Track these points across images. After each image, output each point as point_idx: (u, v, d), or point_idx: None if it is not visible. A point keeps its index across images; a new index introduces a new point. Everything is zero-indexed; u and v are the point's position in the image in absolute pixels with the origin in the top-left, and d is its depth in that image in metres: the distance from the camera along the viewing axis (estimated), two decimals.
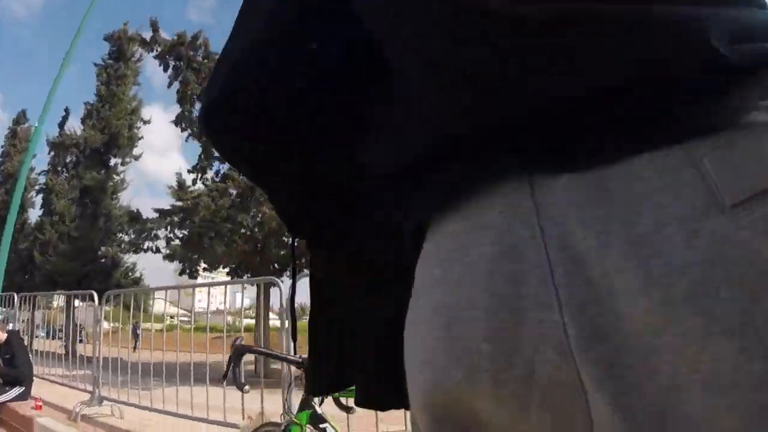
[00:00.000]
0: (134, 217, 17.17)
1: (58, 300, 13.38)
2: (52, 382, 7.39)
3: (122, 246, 24.02)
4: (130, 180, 25.94)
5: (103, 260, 22.89)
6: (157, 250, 17.17)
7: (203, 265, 16.58)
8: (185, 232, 15.81)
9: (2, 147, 33.98)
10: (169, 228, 16.68)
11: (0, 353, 5.88)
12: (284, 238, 14.90)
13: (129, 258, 24.00)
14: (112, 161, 25.45)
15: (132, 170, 26.05)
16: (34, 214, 27.37)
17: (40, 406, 5.52)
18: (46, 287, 17.74)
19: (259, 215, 14.32)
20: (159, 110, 57.28)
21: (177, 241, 16.24)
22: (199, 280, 16.63)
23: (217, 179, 16.75)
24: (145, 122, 27.12)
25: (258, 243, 14.80)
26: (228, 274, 15.99)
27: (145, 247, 17.06)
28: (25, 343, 7.36)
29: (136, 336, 23.46)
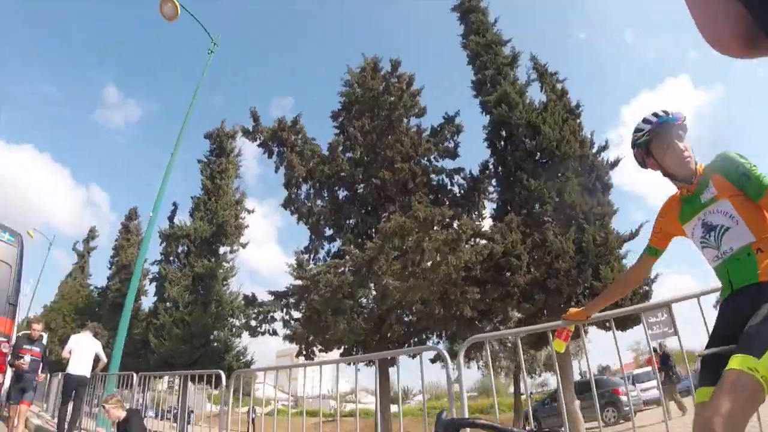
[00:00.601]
0: (250, 301, 17.64)
1: (163, 383, 13.93)
2: None
3: (233, 330, 24.74)
4: (239, 267, 26.99)
5: (215, 344, 23.53)
6: (274, 333, 17.42)
7: (318, 346, 16.61)
8: (303, 313, 16.07)
9: (116, 241, 36.60)
10: (285, 310, 17.03)
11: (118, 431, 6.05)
12: (404, 314, 14.87)
13: (240, 342, 24.70)
14: (221, 250, 26.79)
15: (237, 258, 27.12)
16: (147, 301, 29.00)
17: None
18: (159, 370, 18.26)
19: (377, 289, 14.40)
20: (254, 204, 60.02)
21: (295, 322, 16.48)
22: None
23: (327, 259, 17.17)
24: (249, 212, 28.73)
25: (378, 318, 14.77)
26: (342, 355, 15.90)
27: (263, 329, 17.31)
28: None
29: (251, 420, 23.67)
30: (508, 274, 13.91)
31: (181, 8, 12.29)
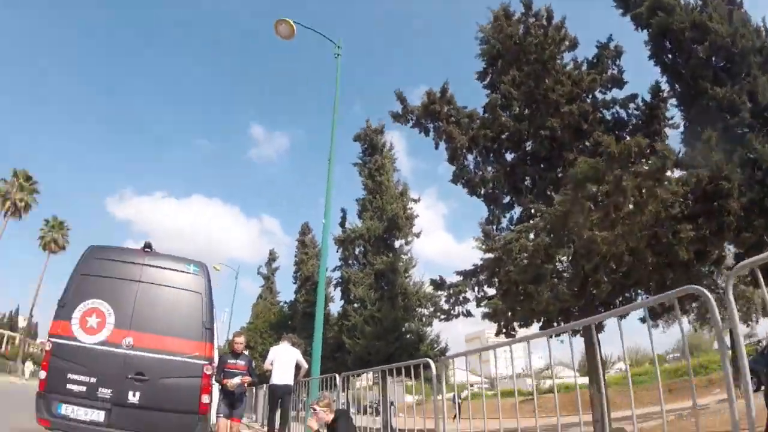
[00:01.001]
0: (439, 284, 16.87)
1: (361, 380, 14.01)
2: None
3: (423, 320, 24.47)
4: (417, 258, 26.80)
5: (408, 336, 23.41)
6: (468, 314, 16.51)
7: (517, 321, 15.40)
8: (498, 287, 14.96)
9: (295, 257, 38.67)
10: (476, 288, 16.07)
11: None
12: (609, 270, 13.04)
13: (431, 330, 24.38)
14: (396, 244, 26.73)
15: (413, 249, 27.05)
16: (334, 307, 30.02)
17: None
18: (357, 368, 18.33)
19: (578, 246, 12.79)
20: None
21: (489, 301, 15.43)
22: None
23: (511, 227, 15.84)
24: (415, 201, 28.40)
25: (582, 280, 13.16)
26: (542, 328, 14.51)
27: (456, 312, 16.48)
28: None
29: (456, 406, 23.10)
30: (717, 203, 11.57)
31: (296, 24, 12.35)
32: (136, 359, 6.32)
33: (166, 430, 6.32)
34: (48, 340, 6.43)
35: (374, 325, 23.28)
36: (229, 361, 8.02)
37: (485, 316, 14.98)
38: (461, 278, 15.98)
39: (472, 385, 59.75)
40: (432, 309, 25.05)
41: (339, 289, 27.93)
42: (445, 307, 16.63)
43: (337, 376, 9.05)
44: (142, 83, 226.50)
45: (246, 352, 8.37)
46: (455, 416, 24.40)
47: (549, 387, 41.78)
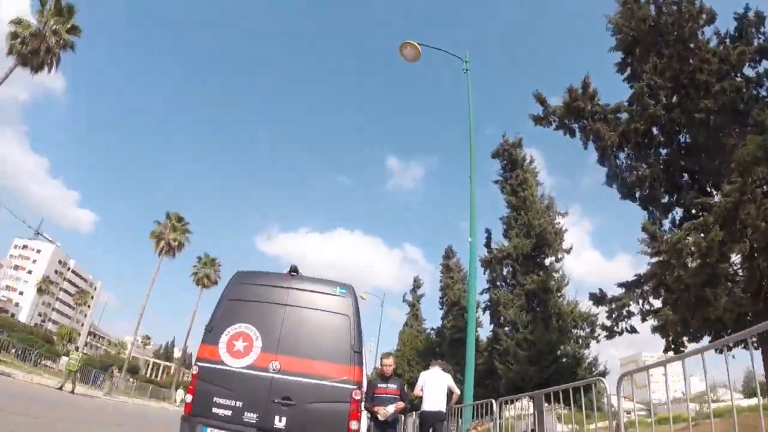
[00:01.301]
0: (599, 299, 15.42)
1: (509, 409, 12.52)
2: None
3: (579, 342, 22.67)
4: (569, 275, 25.10)
5: (564, 359, 21.67)
6: (633, 330, 14.84)
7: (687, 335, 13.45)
8: (666, 296, 13.26)
9: (440, 282, 38.24)
10: (641, 301, 14.44)
11: None
12: None
13: (589, 353, 22.45)
14: (546, 261, 25.31)
15: (564, 266, 25.32)
16: (482, 332, 28.88)
17: None
18: (509, 394, 17.19)
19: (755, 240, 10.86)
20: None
21: (654, 312, 13.74)
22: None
23: (674, 229, 14.07)
24: (562, 215, 26.79)
25: (760, 279, 11.12)
26: (712, 340, 12.45)
27: (619, 328, 14.89)
28: None
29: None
30: None
31: (421, 45, 12.19)
32: (282, 383, 6.08)
33: None
34: (195, 365, 6.35)
35: (527, 348, 21.94)
36: (378, 385, 7.59)
37: (655, 329, 13.35)
38: (623, 291, 14.45)
39: (628, 413, 54.11)
40: (589, 330, 23.27)
41: (488, 312, 26.76)
42: (608, 323, 15.09)
43: (493, 401, 8.46)
44: (280, 126, 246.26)
45: (396, 377, 8.05)
46: None
47: (714, 411, 36.44)
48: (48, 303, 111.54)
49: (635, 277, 14.64)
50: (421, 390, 9.08)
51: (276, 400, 5.96)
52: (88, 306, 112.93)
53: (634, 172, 14.97)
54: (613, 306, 14.70)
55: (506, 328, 24.26)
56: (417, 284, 52.58)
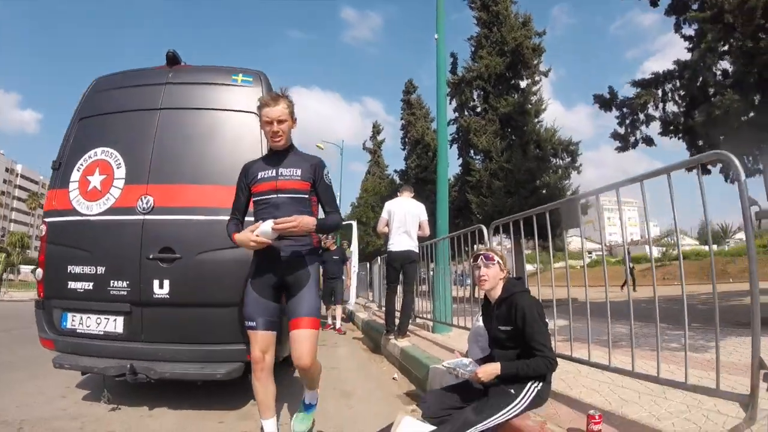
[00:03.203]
0: (606, 101, 12.14)
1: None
2: None
3: (559, 172, 20.08)
4: (548, 99, 21.77)
5: (543, 191, 19.13)
6: (649, 141, 11.85)
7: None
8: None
9: (401, 119, 34.80)
10: (661, 104, 11.32)
11: None
12: None
13: (570, 184, 20.01)
14: (523, 83, 21.86)
15: (542, 89, 21.82)
16: (449, 171, 25.83)
17: None
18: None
19: None
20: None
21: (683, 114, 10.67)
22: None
23: None
24: (540, 34, 22.65)
25: None
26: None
27: (635, 138, 11.86)
28: None
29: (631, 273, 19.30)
30: None
31: None
32: (158, 228, 3.94)
33: (219, 337, 3.84)
34: (43, 222, 4.22)
35: (503, 178, 19.31)
36: (260, 173, 4.12)
37: (683, 132, 10.29)
38: (639, 90, 11.20)
39: (590, 253, 55.82)
40: (569, 159, 20.66)
41: (455, 146, 23.67)
42: (620, 131, 11.98)
43: (483, 228, 5.41)
44: None
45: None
46: (625, 283, 20.45)
47: (676, 255, 36.95)
48: (3, 216, 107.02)
49: (653, 75, 11.40)
50: (386, 225, 6.78)
51: (151, 256, 3.87)
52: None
53: None
54: (627, 110, 11.50)
55: (478, 158, 21.42)
56: (377, 130, 49.39)
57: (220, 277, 3.78)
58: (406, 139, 33.31)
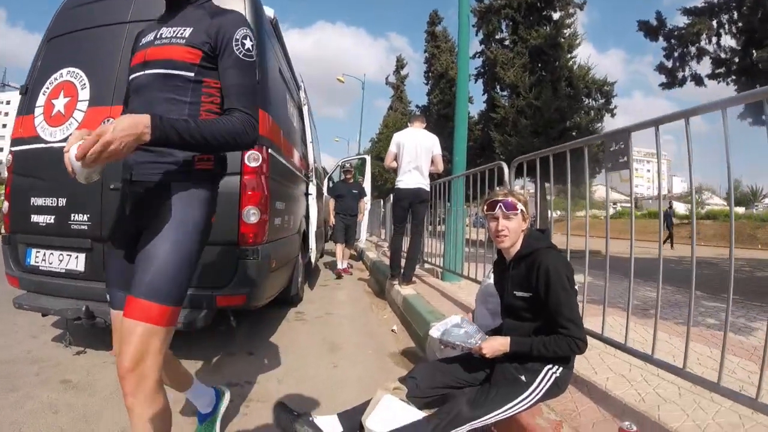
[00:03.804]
0: (653, 28, 10.97)
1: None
2: None
3: (591, 114, 18.90)
4: (583, 33, 20.21)
5: (574, 132, 18.03)
6: (699, 81, 10.75)
7: None
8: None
9: (425, 52, 33.29)
10: (716, 37, 10.19)
11: None
12: None
13: (602, 127, 18.81)
14: (555, 15, 20.10)
15: (577, 23, 20.23)
16: (472, 109, 24.70)
17: None
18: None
19: None
20: None
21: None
22: None
23: None
24: None
25: None
26: None
27: (684, 74, 10.75)
28: None
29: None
30: None
31: None
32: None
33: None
34: (10, 151, 3.98)
35: (531, 116, 18.16)
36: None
37: (739, 71, 9.29)
38: (693, 17, 10.06)
39: (614, 204, 54.36)
40: (603, 101, 19.37)
41: (480, 81, 22.45)
42: (667, 64, 10.88)
43: (504, 165, 4.54)
44: None
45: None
46: (668, 239, 19.55)
47: (704, 214, 35.60)
48: None
49: (706, 4, 10.20)
50: (395, 159, 6.00)
51: (112, 186, 3.42)
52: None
53: None
54: (676, 40, 10.33)
55: (504, 94, 20.25)
56: (400, 64, 47.68)
57: None
58: (430, 74, 31.81)
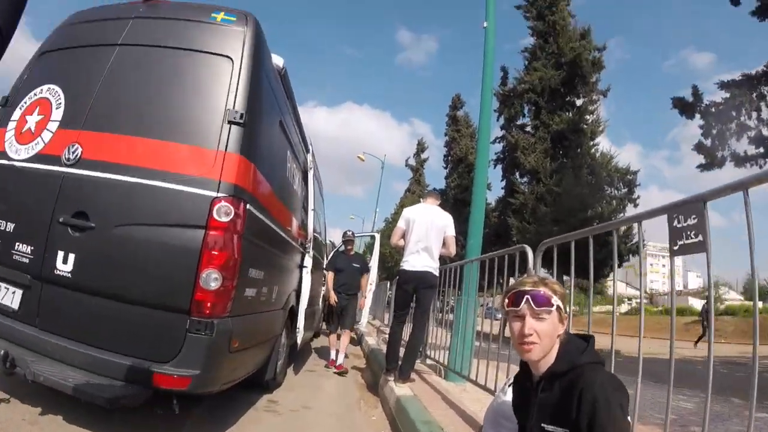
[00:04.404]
0: (687, 105, 10.31)
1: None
2: None
3: (613, 204, 18.17)
4: (607, 119, 19.96)
5: (596, 222, 17.18)
6: (743, 159, 9.96)
7: None
8: None
9: (446, 135, 33.42)
10: (759, 106, 9.55)
11: None
12: None
13: (624, 216, 17.94)
14: (578, 101, 19.92)
15: (601, 109, 19.99)
16: (490, 195, 24.07)
17: None
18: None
19: None
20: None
21: None
22: None
23: None
24: (600, 49, 20.83)
25: None
26: None
27: (722, 153, 9.97)
28: None
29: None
30: None
31: None
32: (78, 185, 3.07)
33: (122, 346, 2.84)
34: None
35: (551, 204, 17.42)
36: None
37: None
38: (732, 92, 9.45)
39: (629, 300, 52.76)
40: (626, 190, 18.70)
41: (500, 167, 21.96)
42: (706, 143, 10.14)
43: (528, 249, 3.88)
44: None
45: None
46: (700, 338, 18.21)
47: (723, 309, 33.83)
48: None
49: (743, 77, 9.62)
50: (402, 237, 5.26)
51: (62, 219, 2.97)
52: None
53: None
54: (711, 119, 9.64)
55: (524, 180, 19.70)
56: (421, 147, 48.38)
57: (139, 263, 2.87)
58: (449, 157, 31.80)
